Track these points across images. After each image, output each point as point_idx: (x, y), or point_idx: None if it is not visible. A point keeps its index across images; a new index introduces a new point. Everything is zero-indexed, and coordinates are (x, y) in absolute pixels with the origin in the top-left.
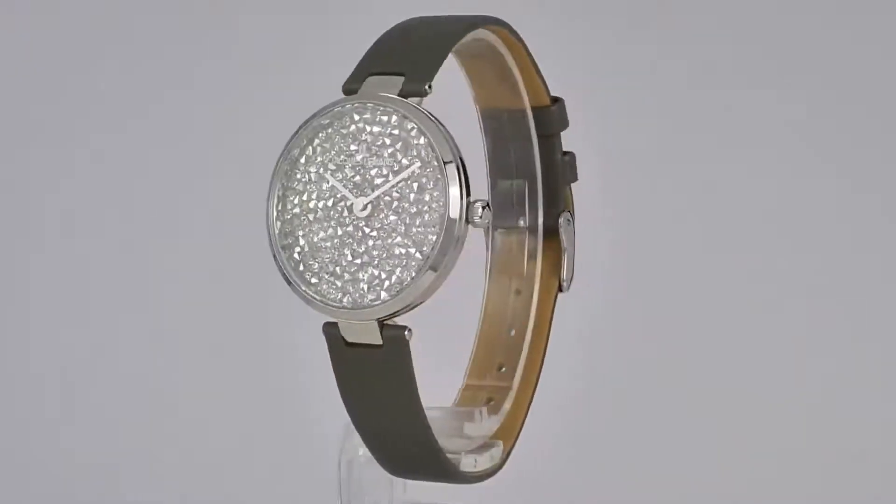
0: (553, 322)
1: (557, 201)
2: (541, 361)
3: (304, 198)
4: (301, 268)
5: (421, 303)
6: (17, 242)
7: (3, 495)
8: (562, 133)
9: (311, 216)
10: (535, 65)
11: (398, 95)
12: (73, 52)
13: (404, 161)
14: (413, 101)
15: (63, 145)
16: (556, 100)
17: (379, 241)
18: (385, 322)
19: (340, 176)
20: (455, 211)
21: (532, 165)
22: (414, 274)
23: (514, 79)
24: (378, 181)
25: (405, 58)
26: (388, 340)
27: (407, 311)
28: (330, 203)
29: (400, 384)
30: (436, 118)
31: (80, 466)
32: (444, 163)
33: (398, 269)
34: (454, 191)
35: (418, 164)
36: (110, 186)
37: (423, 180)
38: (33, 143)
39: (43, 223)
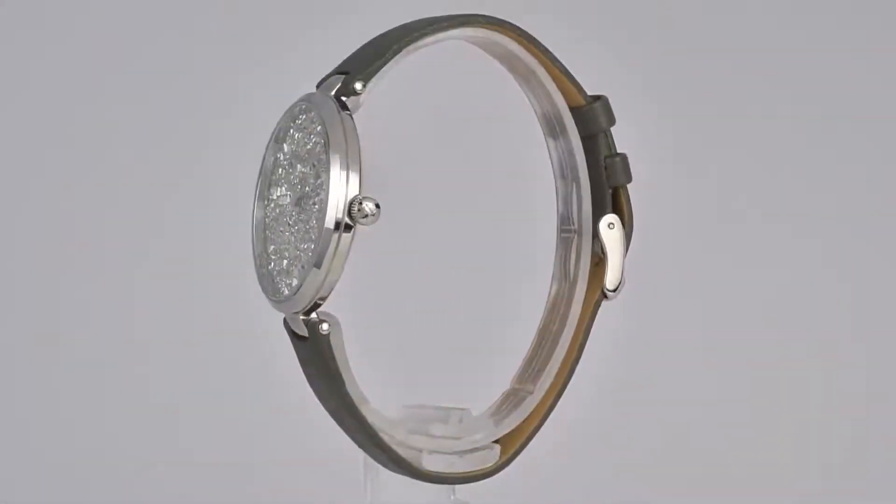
0: (591, 331)
1: (601, 204)
2: (568, 372)
3: (277, 194)
4: (271, 265)
5: (324, 295)
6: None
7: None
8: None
9: (276, 215)
10: (559, 64)
11: (334, 93)
12: (72, 50)
13: (321, 158)
14: (351, 100)
15: (57, 144)
16: (596, 98)
17: (301, 237)
18: (310, 315)
19: (292, 175)
20: (332, 207)
21: (577, 166)
22: (306, 268)
23: (541, 79)
24: (303, 179)
25: (357, 58)
26: (310, 332)
27: (318, 303)
28: (287, 200)
29: (327, 374)
30: (346, 117)
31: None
32: (330, 161)
33: (306, 264)
34: (334, 188)
35: (323, 162)
36: (102, 186)
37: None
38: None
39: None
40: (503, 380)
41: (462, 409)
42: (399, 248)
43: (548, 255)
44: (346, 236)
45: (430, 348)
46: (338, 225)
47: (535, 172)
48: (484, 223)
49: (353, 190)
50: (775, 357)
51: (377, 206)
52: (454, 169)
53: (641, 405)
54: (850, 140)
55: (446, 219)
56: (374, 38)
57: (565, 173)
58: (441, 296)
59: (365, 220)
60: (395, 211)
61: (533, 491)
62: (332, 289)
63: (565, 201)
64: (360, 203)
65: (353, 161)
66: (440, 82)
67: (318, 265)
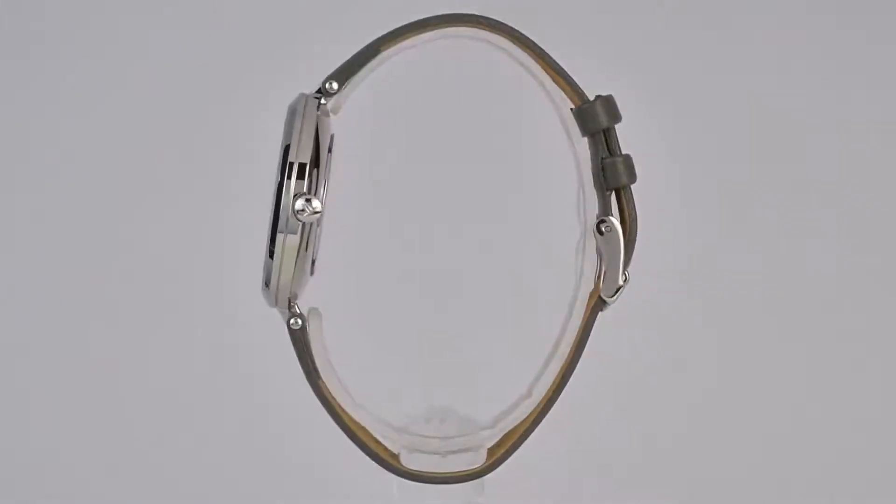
0: (588, 337)
1: (600, 205)
2: (562, 377)
3: None
4: None
5: (286, 293)
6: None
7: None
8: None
9: None
10: (553, 63)
11: (315, 93)
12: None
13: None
14: (332, 99)
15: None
16: (594, 98)
17: None
18: (290, 310)
19: None
20: (277, 205)
21: (577, 167)
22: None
23: (542, 79)
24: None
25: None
26: (287, 326)
27: (289, 299)
28: None
29: (303, 365)
30: (309, 115)
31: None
32: (281, 159)
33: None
34: (281, 187)
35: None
36: (108, 186)
37: None
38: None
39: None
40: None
41: (446, 410)
42: (427, 250)
43: None
44: (292, 236)
45: (459, 351)
46: (281, 223)
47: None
48: (518, 225)
49: (299, 188)
50: (776, 358)
51: (320, 203)
52: (484, 170)
53: (644, 407)
54: (853, 138)
55: (484, 222)
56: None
57: (578, 173)
58: (474, 298)
59: (307, 217)
60: (411, 213)
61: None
62: (288, 287)
63: (577, 202)
64: (307, 200)
65: (301, 159)
66: (463, 82)
67: (269, 264)
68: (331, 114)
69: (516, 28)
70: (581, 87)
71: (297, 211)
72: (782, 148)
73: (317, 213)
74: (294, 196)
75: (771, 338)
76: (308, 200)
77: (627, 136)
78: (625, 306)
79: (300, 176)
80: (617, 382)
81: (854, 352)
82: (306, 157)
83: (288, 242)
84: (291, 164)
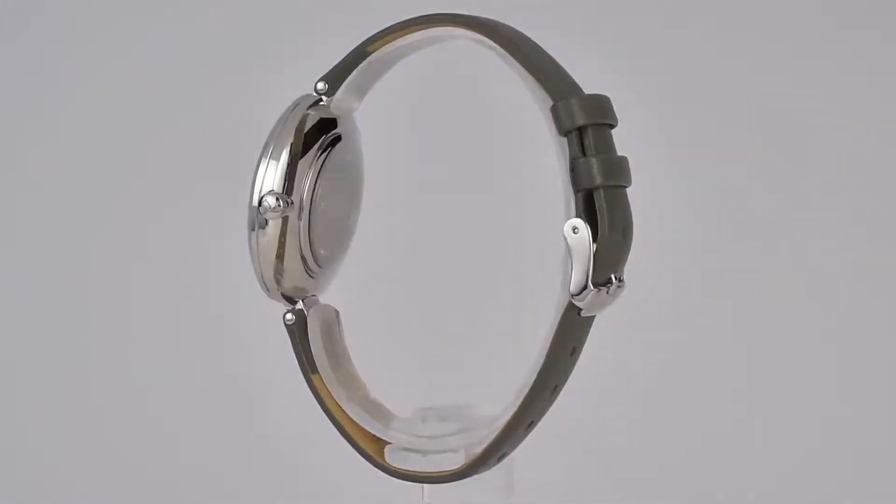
0: (565, 341)
1: (571, 206)
2: (536, 382)
3: None
4: None
5: (269, 291)
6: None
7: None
8: None
9: None
10: (530, 63)
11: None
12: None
13: None
14: (326, 99)
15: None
16: (566, 97)
17: None
18: (293, 306)
19: None
20: (250, 202)
21: (558, 167)
22: None
23: (527, 77)
24: None
25: None
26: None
27: (282, 293)
28: None
29: (297, 359)
30: (294, 114)
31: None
32: (259, 156)
33: None
34: (254, 184)
35: None
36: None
37: None
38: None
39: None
40: None
41: (427, 409)
42: (425, 250)
43: None
44: (263, 231)
45: (456, 351)
46: (253, 219)
47: None
48: (518, 225)
49: (269, 185)
50: (776, 359)
51: (295, 199)
52: (485, 171)
53: (643, 407)
54: (854, 138)
55: (484, 222)
56: None
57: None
58: (472, 298)
59: (271, 214)
60: (408, 214)
61: None
62: (274, 281)
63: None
64: (277, 198)
65: (275, 156)
66: (457, 82)
67: (252, 260)
68: (333, 114)
69: (510, 27)
70: (581, 87)
71: (268, 207)
72: (783, 148)
73: (279, 209)
74: (268, 192)
75: (771, 338)
76: (278, 198)
77: (628, 136)
78: (625, 307)
79: (274, 173)
80: (614, 383)
81: (855, 352)
82: (279, 155)
83: (262, 237)
84: (266, 162)
